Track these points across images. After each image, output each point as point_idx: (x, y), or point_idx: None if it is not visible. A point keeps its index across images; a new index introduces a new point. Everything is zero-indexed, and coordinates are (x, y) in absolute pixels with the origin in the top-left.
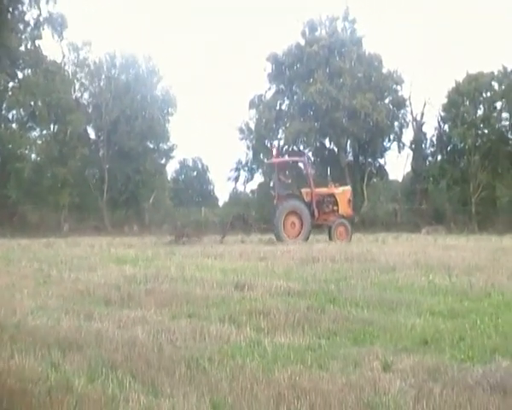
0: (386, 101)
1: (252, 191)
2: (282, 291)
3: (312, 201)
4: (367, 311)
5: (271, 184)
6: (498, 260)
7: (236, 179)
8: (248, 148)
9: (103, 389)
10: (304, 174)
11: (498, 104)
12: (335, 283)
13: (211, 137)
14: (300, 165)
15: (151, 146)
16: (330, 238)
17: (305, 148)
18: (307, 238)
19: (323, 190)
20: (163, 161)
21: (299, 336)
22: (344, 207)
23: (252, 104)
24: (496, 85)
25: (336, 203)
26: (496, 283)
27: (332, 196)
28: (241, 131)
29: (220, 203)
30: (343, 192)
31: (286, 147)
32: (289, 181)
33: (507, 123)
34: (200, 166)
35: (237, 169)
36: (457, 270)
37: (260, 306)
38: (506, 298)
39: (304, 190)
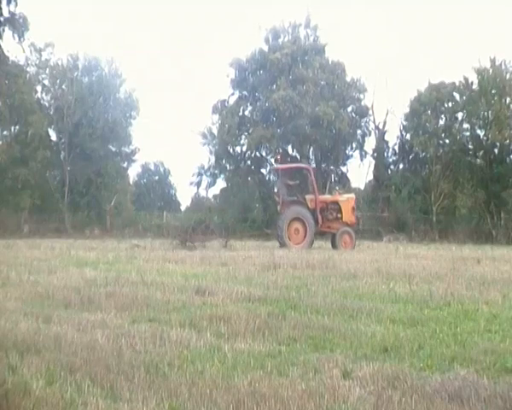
0: (349, 109)
1: (214, 196)
2: (243, 297)
3: (316, 208)
4: (327, 318)
5: (275, 190)
6: (458, 269)
7: (199, 184)
8: (211, 153)
9: (61, 392)
10: (308, 181)
11: (459, 115)
12: (296, 289)
13: (173, 141)
14: (305, 172)
15: (113, 149)
16: (334, 246)
17: (267, 154)
18: (311, 245)
19: (328, 197)
20: (125, 165)
21: (259, 342)
22: (348, 215)
23: (215, 109)
24: (457, 96)
25: (340, 211)
26: (455, 292)
27: (336, 203)
28: (204, 136)
29: (182, 208)
30: (347, 200)
31: (248, 153)
32: (295, 183)
33: (467, 134)
34: (162, 170)
35: (199, 174)
36: (418, 278)
37: (221, 311)
38: (465, 307)
39: (308, 197)
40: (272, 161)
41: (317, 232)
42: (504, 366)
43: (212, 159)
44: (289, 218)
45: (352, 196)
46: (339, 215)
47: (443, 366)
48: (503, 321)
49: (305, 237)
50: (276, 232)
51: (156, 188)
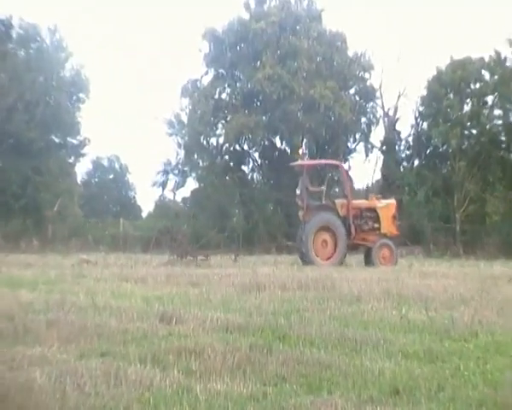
0: (352, 91)
1: (183, 200)
2: (220, 326)
3: (349, 215)
4: (324, 351)
5: (297, 192)
6: (487, 291)
7: (164, 185)
8: (179, 146)
9: None
10: (340, 182)
11: (490, 98)
12: (286, 316)
13: (132, 131)
14: (337, 170)
15: (56, 140)
16: (368, 262)
17: (250, 147)
18: (342, 262)
19: (363, 202)
20: (71, 160)
21: (239, 382)
22: (387, 225)
23: (184, 91)
24: (487, 75)
25: (378, 219)
26: (484, 319)
27: (373, 210)
28: (171, 124)
29: (144, 214)
30: (387, 206)
31: (226, 146)
32: (322, 188)
33: (500, 122)
34: (118, 166)
35: (165, 172)
36: (437, 302)
37: (191, 343)
38: (496, 339)
39: (338, 202)
40: (256, 155)
41: (348, 245)
42: None
43: (181, 153)
44: (316, 227)
45: (393, 201)
46: (376, 225)
47: None
48: None
49: (334, 250)
50: (299, 245)
51: (111, 189)
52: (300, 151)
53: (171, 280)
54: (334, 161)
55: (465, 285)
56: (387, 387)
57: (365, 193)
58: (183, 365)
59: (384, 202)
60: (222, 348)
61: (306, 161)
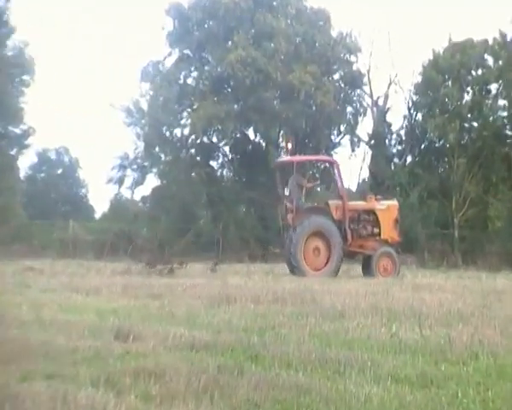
0: (336, 76)
1: (143, 199)
2: (184, 343)
3: (345, 218)
4: (303, 374)
5: (286, 193)
6: (490, 307)
7: (121, 182)
8: (139, 137)
9: None
10: (332, 180)
11: (493, 87)
12: (259, 333)
13: (84, 120)
14: (329, 167)
15: None
16: (367, 273)
17: (219, 140)
18: (337, 272)
19: (360, 203)
20: (13, 152)
21: (205, 408)
22: (388, 230)
23: (145, 75)
24: (490, 60)
25: (378, 224)
26: (485, 339)
27: (372, 212)
28: (129, 112)
29: (97, 215)
30: (388, 208)
31: (192, 138)
32: (315, 184)
33: (505, 114)
34: (67, 160)
35: (122, 167)
36: (432, 319)
37: (151, 364)
38: (499, 362)
39: (332, 203)
40: (226, 149)
41: (344, 253)
42: None
43: (141, 146)
44: (307, 232)
45: (395, 203)
46: (375, 230)
47: None
48: None
49: (328, 259)
50: (287, 253)
51: (59, 186)
52: (289, 145)
53: (129, 291)
54: (327, 157)
55: (464, 300)
56: None
57: (361, 193)
58: (141, 388)
59: (384, 203)
60: (186, 370)
61: (296, 157)
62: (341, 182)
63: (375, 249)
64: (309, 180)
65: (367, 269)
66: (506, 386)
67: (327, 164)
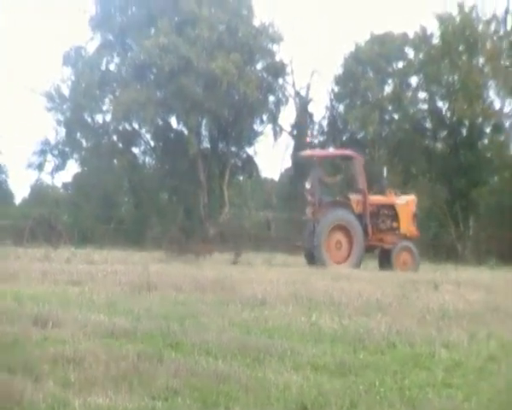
0: (259, 66)
1: (64, 185)
2: (103, 330)
3: (366, 212)
4: (222, 362)
5: (307, 186)
6: (407, 297)
7: (41, 167)
8: (60, 123)
9: None
10: (353, 175)
11: (414, 79)
12: (179, 321)
13: (3, 104)
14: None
15: None
16: (385, 266)
17: (141, 127)
18: (359, 265)
19: (380, 198)
20: None
21: (124, 395)
22: (407, 224)
23: (66, 60)
24: (411, 53)
25: (397, 218)
26: (403, 329)
27: (391, 207)
28: (50, 97)
29: (17, 201)
30: (407, 203)
31: (113, 124)
32: (336, 179)
33: (425, 106)
34: None
35: (43, 152)
36: (351, 309)
37: (70, 350)
38: (416, 351)
39: (353, 197)
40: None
41: (364, 246)
42: None
43: (62, 131)
44: (330, 225)
45: (413, 197)
46: (394, 224)
47: None
48: (469, 372)
49: (349, 252)
50: (309, 245)
51: None
52: (308, 139)
53: (48, 278)
54: (349, 152)
55: (382, 290)
56: (294, 403)
57: (379, 187)
58: (60, 375)
59: (403, 198)
60: (105, 357)
61: (317, 152)
62: (363, 177)
63: (393, 243)
64: (329, 174)
65: (385, 262)
66: (422, 375)
67: (349, 158)
